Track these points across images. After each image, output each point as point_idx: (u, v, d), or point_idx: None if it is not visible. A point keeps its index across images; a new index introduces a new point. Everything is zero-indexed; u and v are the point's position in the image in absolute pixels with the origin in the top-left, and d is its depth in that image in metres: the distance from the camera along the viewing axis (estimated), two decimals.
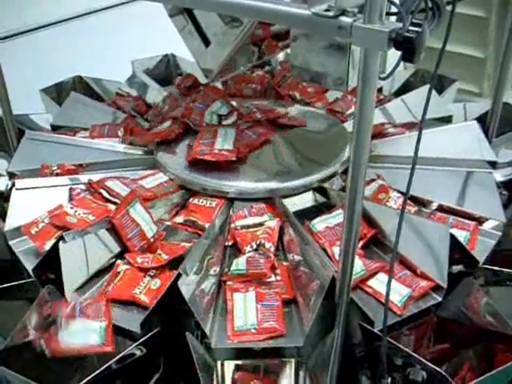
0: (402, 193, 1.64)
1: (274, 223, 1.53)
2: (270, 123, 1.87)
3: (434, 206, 1.65)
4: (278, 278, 1.40)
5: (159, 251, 1.45)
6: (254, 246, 1.46)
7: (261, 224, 1.53)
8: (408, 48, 0.94)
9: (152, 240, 1.50)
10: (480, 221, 1.60)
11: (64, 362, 1.32)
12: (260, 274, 1.37)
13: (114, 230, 1.48)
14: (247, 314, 1.31)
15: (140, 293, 1.36)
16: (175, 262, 1.41)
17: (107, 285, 1.40)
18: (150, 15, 2.37)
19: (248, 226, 1.53)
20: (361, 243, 1.48)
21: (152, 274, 1.40)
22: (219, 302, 1.37)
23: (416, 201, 1.65)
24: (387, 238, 1.49)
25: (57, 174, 1.73)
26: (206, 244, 1.47)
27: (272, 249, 1.46)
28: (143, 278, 1.39)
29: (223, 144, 1.72)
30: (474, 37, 2.85)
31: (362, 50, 0.98)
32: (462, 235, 1.53)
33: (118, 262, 1.44)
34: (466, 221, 1.59)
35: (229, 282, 1.39)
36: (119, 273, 1.41)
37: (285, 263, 1.45)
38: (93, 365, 1.25)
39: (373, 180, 1.69)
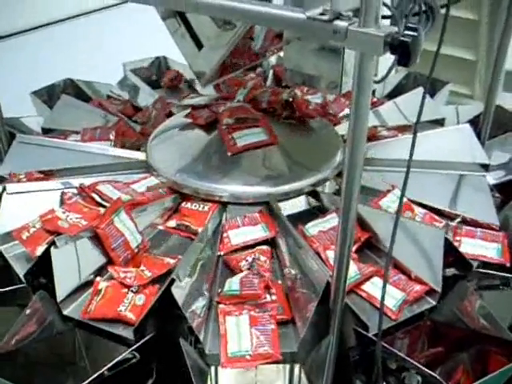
0: (425, 206, 1.63)
1: (266, 247, 1.51)
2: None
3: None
4: (274, 297, 1.37)
5: (142, 267, 1.43)
6: (250, 260, 1.45)
7: (253, 246, 1.51)
8: (403, 52, 0.93)
9: (136, 250, 1.48)
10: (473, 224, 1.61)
11: (56, 369, 1.31)
12: (254, 296, 1.35)
13: (98, 240, 1.45)
14: (241, 338, 1.29)
15: (125, 310, 1.33)
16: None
17: (89, 304, 1.35)
18: (142, 17, 2.36)
19: (241, 248, 1.50)
20: (355, 247, 1.47)
21: (134, 289, 1.37)
22: (210, 323, 1.35)
23: (442, 214, 1.64)
24: (381, 241, 1.49)
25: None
26: (199, 249, 1.47)
27: (267, 265, 1.44)
28: (126, 294, 1.36)
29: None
30: (465, 39, 2.85)
31: (357, 54, 0.98)
32: (493, 247, 1.53)
33: (97, 279, 1.41)
34: (494, 232, 1.57)
35: (221, 306, 1.36)
36: (100, 290, 1.37)
37: (279, 282, 1.43)
38: (85, 371, 1.24)
39: (388, 191, 1.67)
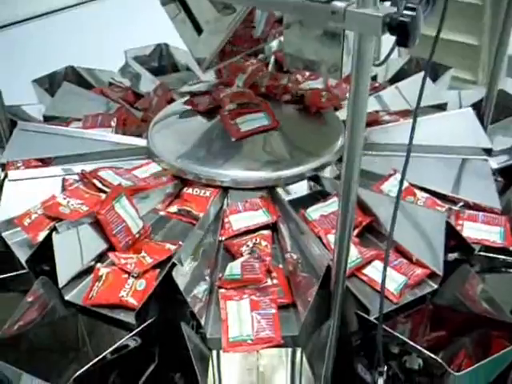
0: (427, 190, 1.63)
1: (267, 232, 1.51)
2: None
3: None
4: (275, 281, 1.37)
5: (143, 253, 1.42)
6: (250, 245, 1.44)
7: (254, 231, 1.50)
8: (402, 33, 0.92)
9: (137, 236, 1.48)
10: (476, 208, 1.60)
11: (59, 354, 1.32)
12: (255, 280, 1.35)
13: (99, 226, 1.46)
14: (242, 323, 1.29)
15: (127, 295, 1.33)
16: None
17: (90, 290, 1.36)
18: (143, 4, 2.36)
19: (242, 233, 1.50)
20: (356, 231, 1.47)
21: (135, 274, 1.37)
22: (211, 308, 1.35)
23: (444, 198, 1.63)
24: (382, 225, 1.48)
25: None
26: (200, 234, 1.47)
27: (268, 249, 1.44)
28: (127, 279, 1.36)
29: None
30: (468, 24, 2.83)
31: (355, 35, 0.97)
32: (496, 231, 1.52)
33: (98, 265, 1.41)
34: (497, 216, 1.57)
35: (221, 290, 1.36)
36: (101, 277, 1.37)
37: (281, 266, 1.43)
38: (88, 356, 1.24)
39: (390, 175, 1.66)
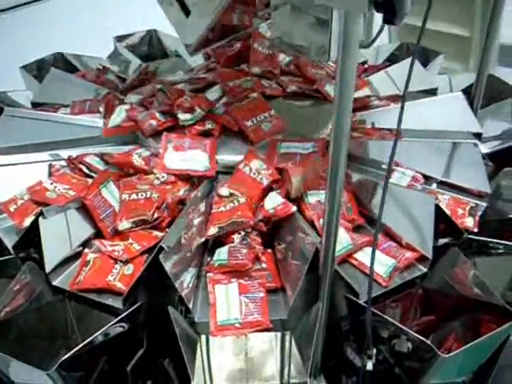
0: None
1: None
2: None
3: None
4: (263, 265, 1.36)
5: (131, 240, 1.41)
6: (242, 234, 1.42)
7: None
8: (389, 10, 0.91)
9: None
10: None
11: (48, 340, 1.31)
12: (241, 266, 1.33)
13: (86, 211, 1.45)
14: (230, 307, 1.28)
15: (114, 279, 1.33)
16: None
17: (77, 275, 1.35)
18: None
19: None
20: (350, 227, 1.45)
21: (123, 259, 1.37)
22: (199, 292, 1.35)
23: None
24: (372, 210, 1.47)
25: None
26: (188, 219, 1.45)
27: (259, 238, 1.42)
28: (115, 264, 1.36)
29: None
30: (459, 15, 2.82)
31: (342, 13, 0.96)
32: None
33: (86, 250, 1.40)
34: None
35: (210, 274, 1.35)
36: (88, 261, 1.37)
37: (269, 250, 1.42)
38: (76, 342, 1.23)
39: (393, 170, 1.61)
